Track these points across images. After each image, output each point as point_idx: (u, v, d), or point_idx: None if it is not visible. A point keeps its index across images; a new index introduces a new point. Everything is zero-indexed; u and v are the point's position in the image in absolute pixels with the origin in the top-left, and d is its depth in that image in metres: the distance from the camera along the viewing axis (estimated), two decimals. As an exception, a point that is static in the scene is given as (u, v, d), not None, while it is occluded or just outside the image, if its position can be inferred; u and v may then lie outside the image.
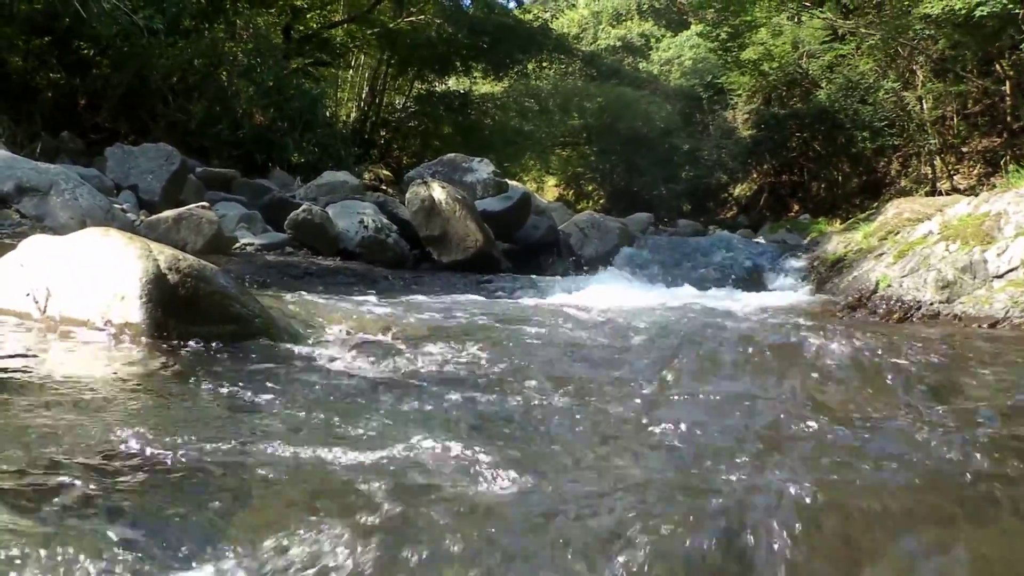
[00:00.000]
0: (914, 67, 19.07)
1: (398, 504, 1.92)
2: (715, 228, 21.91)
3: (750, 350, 4.26)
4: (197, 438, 2.33)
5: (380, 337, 4.16)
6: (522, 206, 11.80)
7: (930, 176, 19.31)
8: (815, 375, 3.65)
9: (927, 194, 16.90)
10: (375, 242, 10.12)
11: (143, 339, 3.33)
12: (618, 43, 38.21)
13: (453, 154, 13.38)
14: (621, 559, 1.74)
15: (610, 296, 7.84)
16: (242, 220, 10.39)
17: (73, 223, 7.55)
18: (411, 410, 2.80)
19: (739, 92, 26.61)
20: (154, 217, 8.86)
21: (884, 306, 6.91)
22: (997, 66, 17.61)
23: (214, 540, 1.74)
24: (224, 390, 2.90)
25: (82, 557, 1.59)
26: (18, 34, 13.18)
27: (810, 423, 2.83)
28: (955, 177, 18.97)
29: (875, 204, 17.34)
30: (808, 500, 2.01)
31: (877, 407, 3.09)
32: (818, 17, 20.40)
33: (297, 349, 3.66)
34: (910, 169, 20.61)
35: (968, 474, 2.32)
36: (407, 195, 10.64)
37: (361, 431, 2.50)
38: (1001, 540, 1.99)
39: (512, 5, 29.44)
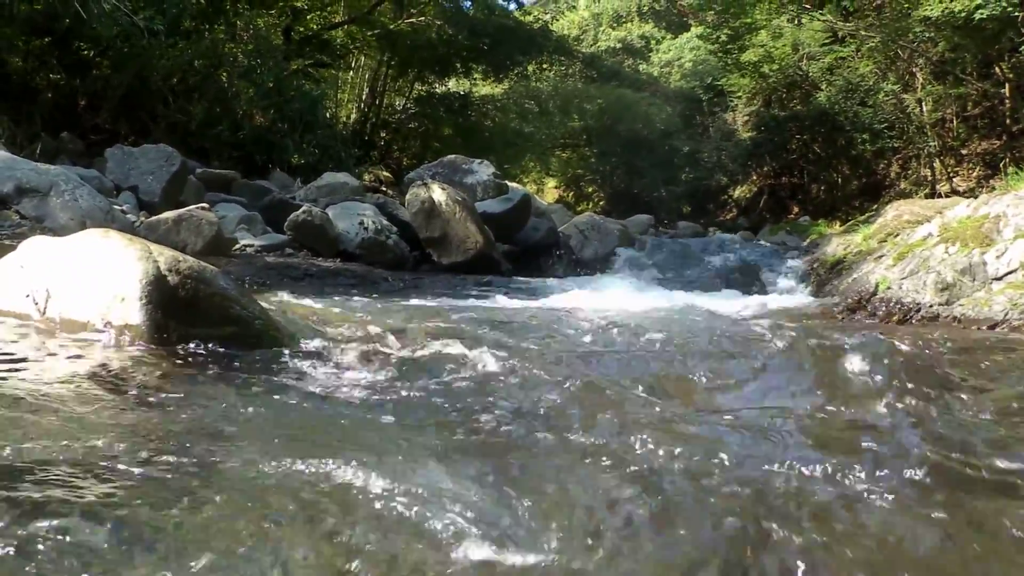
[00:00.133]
0: (914, 69, 19.07)
1: (376, 536, 1.86)
2: (715, 230, 21.93)
3: (748, 352, 4.26)
4: (189, 443, 2.33)
5: (380, 340, 4.16)
6: (522, 208, 11.81)
7: (930, 178, 19.30)
8: (820, 380, 3.65)
9: (927, 196, 16.91)
10: (375, 244, 10.12)
11: (143, 341, 3.33)
12: (618, 45, 38.23)
13: (453, 156, 13.40)
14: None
15: (610, 298, 7.84)
16: (242, 221, 10.39)
17: (73, 224, 7.55)
18: (410, 423, 2.79)
19: (739, 94, 26.61)
20: (154, 218, 8.86)
21: (884, 308, 6.91)
22: (997, 69, 17.61)
23: (187, 548, 1.74)
24: (220, 394, 2.90)
25: (55, 559, 1.59)
26: (18, 35, 13.19)
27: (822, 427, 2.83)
28: (955, 179, 18.97)
29: (875, 206, 17.35)
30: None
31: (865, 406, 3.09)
32: (818, 19, 20.42)
33: (297, 352, 3.65)
34: (910, 171, 20.61)
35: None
36: (407, 197, 10.65)
37: (355, 445, 2.48)
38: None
39: (512, 7, 29.49)
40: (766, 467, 2.39)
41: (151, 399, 2.77)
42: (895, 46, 18.43)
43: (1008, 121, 18.14)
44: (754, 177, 27.49)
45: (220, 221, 9.08)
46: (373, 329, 4.40)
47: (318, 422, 2.72)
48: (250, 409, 2.77)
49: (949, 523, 2.04)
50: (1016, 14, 14.26)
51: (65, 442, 2.22)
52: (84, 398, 2.71)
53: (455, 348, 4.14)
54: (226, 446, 2.35)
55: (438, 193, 10.26)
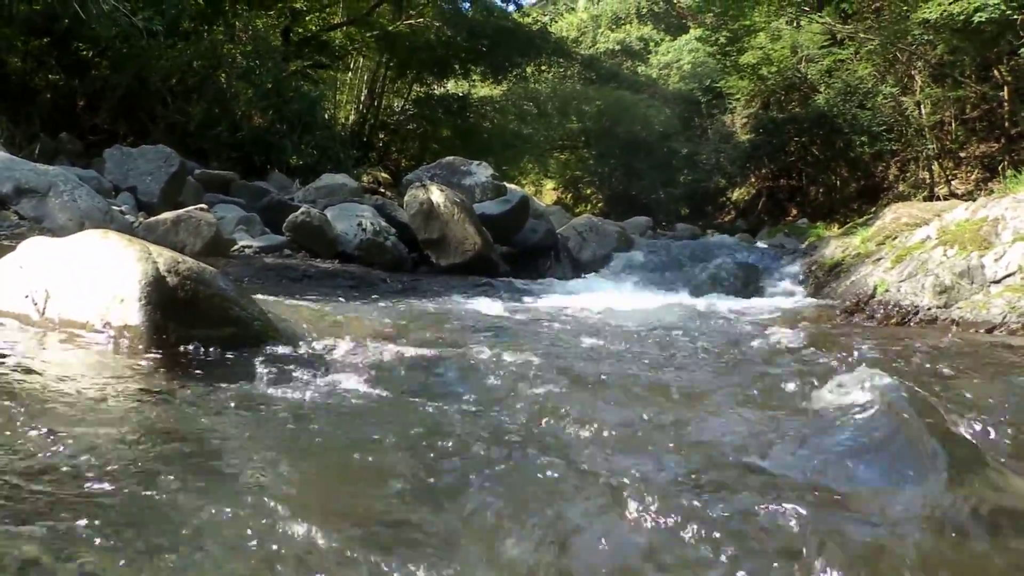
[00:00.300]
0: (912, 72, 19.08)
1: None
2: (713, 232, 21.93)
3: (746, 355, 4.27)
4: (186, 443, 2.34)
5: (377, 342, 4.16)
6: (520, 209, 11.81)
7: (928, 181, 19.31)
8: (813, 380, 3.65)
9: (925, 199, 16.90)
10: (373, 245, 10.12)
11: (142, 342, 3.33)
12: (617, 47, 38.26)
13: (452, 157, 13.39)
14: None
15: (608, 300, 7.85)
16: (240, 222, 10.38)
17: (71, 225, 7.55)
18: (408, 425, 2.79)
19: (738, 96, 26.65)
20: (153, 219, 8.86)
21: (881, 311, 6.91)
22: (995, 71, 17.63)
23: (186, 548, 1.74)
24: (219, 395, 2.90)
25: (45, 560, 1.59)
26: (17, 35, 13.17)
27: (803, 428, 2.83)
28: (953, 182, 18.98)
29: (873, 209, 17.37)
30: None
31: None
32: (817, 22, 20.43)
33: (294, 353, 3.66)
34: (908, 174, 20.62)
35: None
36: (405, 198, 10.65)
37: (348, 454, 2.47)
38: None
39: (511, 8, 29.48)
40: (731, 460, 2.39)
41: (149, 400, 2.77)
42: (894, 49, 18.45)
43: (1007, 124, 18.16)
44: (752, 179, 27.50)
45: (219, 222, 9.08)
46: (371, 331, 4.41)
47: (315, 423, 2.72)
48: (248, 410, 2.77)
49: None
50: (1015, 17, 14.28)
51: (62, 442, 2.22)
52: (82, 398, 2.71)
53: (453, 350, 4.14)
54: (223, 446, 2.35)
55: (436, 195, 10.26)
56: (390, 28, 24.47)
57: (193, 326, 3.51)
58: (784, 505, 2.00)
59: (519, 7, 30.56)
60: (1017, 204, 7.01)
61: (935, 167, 19.18)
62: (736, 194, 28.94)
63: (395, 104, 28.99)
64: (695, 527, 1.90)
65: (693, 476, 2.29)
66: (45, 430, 2.31)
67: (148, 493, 1.95)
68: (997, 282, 6.41)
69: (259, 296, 4.48)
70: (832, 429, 2.69)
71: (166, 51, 14.47)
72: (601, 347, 4.65)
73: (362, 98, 27.22)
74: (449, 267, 10.10)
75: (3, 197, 8.08)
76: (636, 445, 2.62)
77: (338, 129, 22.66)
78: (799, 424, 2.85)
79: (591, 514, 2.03)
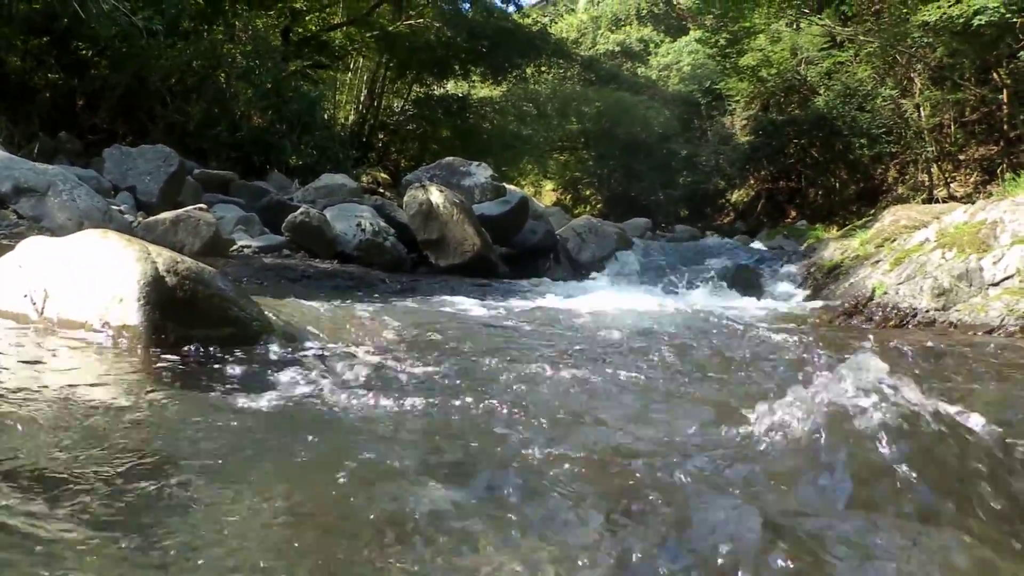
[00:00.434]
0: (912, 75, 19.10)
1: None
2: (712, 233, 21.96)
3: (736, 356, 4.27)
4: (183, 443, 2.34)
5: (375, 343, 4.16)
6: (520, 210, 11.82)
7: (927, 183, 19.34)
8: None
9: (924, 201, 16.93)
10: (373, 245, 10.12)
11: (141, 342, 3.33)
12: (617, 48, 38.32)
13: (451, 158, 13.40)
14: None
15: (606, 302, 7.85)
16: (240, 222, 10.39)
17: (71, 224, 7.56)
18: (405, 427, 2.79)
19: (737, 98, 26.68)
20: (152, 219, 8.86)
21: (880, 313, 6.92)
22: (994, 74, 17.66)
23: (182, 550, 1.74)
24: (217, 396, 2.90)
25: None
26: (16, 34, 13.18)
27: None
28: (952, 185, 19.00)
29: (872, 211, 17.40)
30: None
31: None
32: (817, 24, 20.45)
33: (293, 354, 3.65)
34: (907, 176, 20.65)
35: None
36: (405, 198, 10.66)
37: (344, 456, 2.46)
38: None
39: (511, 9, 29.50)
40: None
41: (147, 400, 2.78)
42: (893, 51, 18.48)
43: (1006, 127, 18.18)
44: (752, 181, 27.54)
45: (218, 222, 9.08)
46: (369, 331, 4.41)
47: (312, 425, 2.72)
48: (245, 411, 2.77)
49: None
50: (1014, 20, 14.30)
51: (58, 443, 2.22)
52: (79, 399, 2.71)
53: (451, 351, 4.15)
54: (218, 447, 2.35)
55: (436, 195, 10.27)
56: (390, 28, 24.50)
57: (192, 326, 3.50)
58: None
59: (519, 8, 30.61)
60: (1016, 207, 7.02)
61: (934, 170, 19.21)
62: (735, 196, 28.98)
63: (395, 104, 29.01)
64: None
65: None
66: (39, 430, 2.31)
67: (141, 493, 1.95)
68: (995, 285, 6.42)
69: (258, 296, 4.48)
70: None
71: (166, 51, 14.48)
72: (595, 348, 4.65)
73: (362, 98, 27.24)
74: (448, 268, 10.11)
75: (2, 196, 8.08)
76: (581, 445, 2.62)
77: (338, 129, 22.67)
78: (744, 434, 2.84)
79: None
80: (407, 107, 28.57)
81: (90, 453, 2.17)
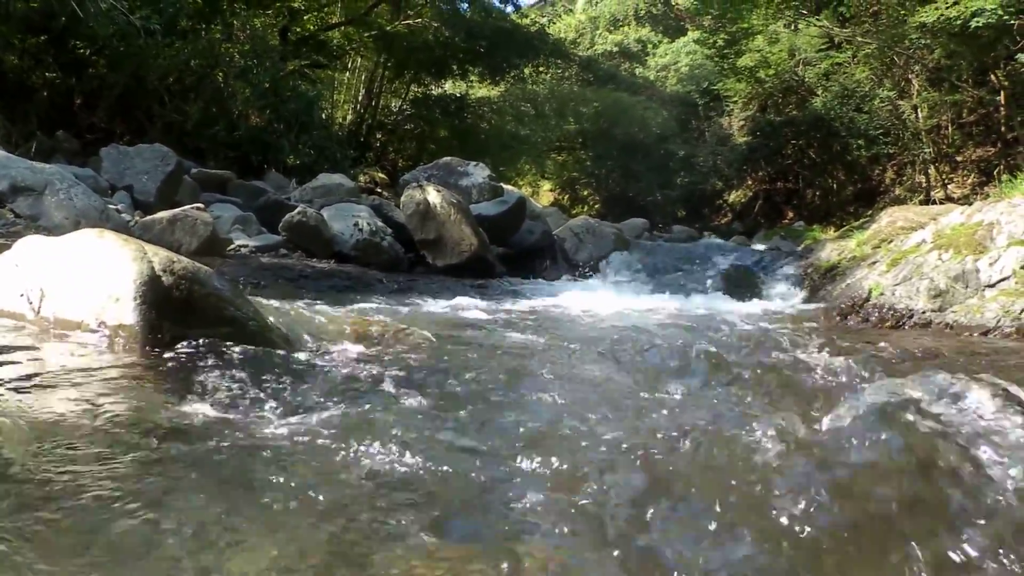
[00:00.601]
0: (910, 76, 19.12)
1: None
2: (710, 234, 21.97)
3: (739, 359, 4.27)
4: (179, 442, 2.34)
5: (372, 344, 4.16)
6: (517, 211, 11.82)
7: (924, 185, 19.36)
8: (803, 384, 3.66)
9: (921, 203, 16.95)
10: (370, 245, 10.12)
11: (137, 341, 3.33)
12: (615, 48, 38.33)
13: (449, 158, 13.40)
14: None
15: (603, 302, 7.86)
16: (237, 222, 10.39)
17: (68, 223, 7.54)
18: (401, 428, 2.79)
19: (735, 99, 26.71)
20: (149, 218, 8.85)
21: (876, 314, 6.93)
22: (992, 76, 17.67)
23: (174, 550, 1.74)
24: (212, 396, 2.90)
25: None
26: (14, 33, 13.16)
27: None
28: (949, 186, 19.03)
29: (869, 212, 17.42)
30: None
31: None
32: (815, 25, 20.46)
33: (289, 355, 3.65)
34: (904, 178, 20.67)
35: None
36: (402, 198, 10.66)
37: (342, 452, 2.47)
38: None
39: (509, 9, 29.53)
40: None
41: (143, 400, 2.78)
42: (891, 52, 18.50)
43: (1003, 128, 18.21)
44: (749, 182, 27.56)
45: (215, 221, 9.08)
46: (366, 331, 4.41)
47: (309, 425, 2.72)
48: (240, 411, 2.77)
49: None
50: (1012, 22, 14.31)
51: (54, 442, 2.22)
52: (75, 398, 2.71)
53: (447, 351, 4.15)
54: (212, 446, 2.35)
55: (433, 195, 10.27)
56: (388, 28, 24.49)
57: (188, 326, 3.50)
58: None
59: (517, 8, 30.66)
60: (1012, 208, 7.03)
61: (931, 171, 19.23)
62: (733, 196, 29.00)
63: (392, 104, 29.00)
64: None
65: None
66: (32, 429, 2.31)
67: (133, 493, 1.96)
68: (992, 286, 6.43)
69: (255, 296, 4.48)
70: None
71: (163, 50, 14.46)
72: (588, 347, 4.66)
73: (360, 98, 27.23)
74: (445, 268, 10.11)
75: (-1, 195, 8.07)
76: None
77: (335, 129, 22.67)
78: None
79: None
80: (405, 107, 28.56)
81: (80, 449, 2.17)
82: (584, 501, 2.08)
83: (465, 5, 26.67)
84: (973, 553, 1.80)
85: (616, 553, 1.82)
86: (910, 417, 2.36)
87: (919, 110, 18.98)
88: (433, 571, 1.72)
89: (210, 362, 3.28)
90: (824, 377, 3.74)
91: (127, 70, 14.14)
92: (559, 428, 2.84)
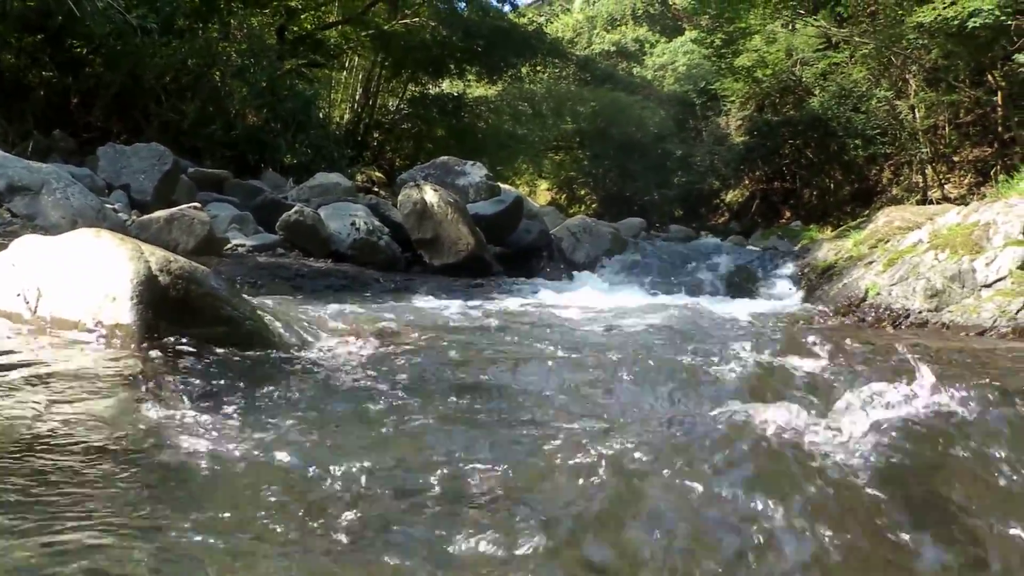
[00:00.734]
0: (907, 76, 19.11)
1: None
2: (707, 234, 21.97)
3: (736, 358, 4.27)
4: (175, 441, 2.34)
5: (369, 343, 4.16)
6: (514, 210, 11.82)
7: (921, 185, 19.36)
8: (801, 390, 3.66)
9: (918, 203, 16.95)
10: (367, 244, 10.12)
11: (134, 341, 3.33)
12: (612, 48, 38.31)
13: (446, 157, 13.39)
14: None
15: (600, 302, 7.87)
16: (234, 221, 10.38)
17: (64, 222, 7.54)
18: (396, 428, 2.79)
19: (732, 98, 26.69)
20: (146, 217, 8.84)
21: (873, 314, 6.94)
22: (989, 76, 17.66)
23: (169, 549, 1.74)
24: (208, 395, 2.90)
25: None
26: (11, 31, 13.13)
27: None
28: (946, 186, 19.02)
29: (866, 212, 17.40)
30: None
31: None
32: (812, 25, 20.44)
33: (285, 354, 3.66)
34: (901, 177, 20.66)
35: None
36: (399, 198, 10.65)
37: (330, 456, 2.47)
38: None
39: (507, 9, 29.48)
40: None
41: (138, 399, 2.78)
42: (888, 52, 18.49)
43: (1000, 129, 18.20)
44: (746, 181, 27.55)
45: (212, 220, 9.07)
46: (362, 331, 4.41)
47: (297, 421, 2.72)
48: (234, 410, 2.77)
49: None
50: (1009, 22, 14.31)
51: (49, 440, 2.22)
52: (69, 397, 2.71)
53: (444, 351, 4.15)
54: (211, 444, 2.35)
55: (430, 194, 10.26)
56: (385, 27, 24.46)
57: (185, 325, 3.51)
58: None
59: (515, 7, 30.62)
60: (1009, 209, 7.04)
61: (928, 171, 19.23)
62: (730, 196, 28.99)
63: (390, 103, 28.96)
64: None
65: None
66: (32, 425, 2.31)
67: (129, 490, 1.96)
68: (988, 286, 6.44)
69: (251, 295, 4.49)
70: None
71: (160, 49, 14.43)
72: (577, 350, 4.66)
73: (357, 97, 27.19)
74: (442, 267, 10.10)
75: (-4, 194, 8.06)
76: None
77: (333, 128, 22.63)
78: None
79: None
80: (402, 106, 28.53)
81: (76, 447, 2.17)
82: (534, 496, 2.08)
83: (462, 4, 26.66)
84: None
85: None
86: (899, 416, 2.37)
87: (916, 110, 18.97)
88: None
89: (205, 362, 3.28)
90: (818, 377, 3.74)
91: (124, 69, 14.11)
92: (550, 430, 2.85)
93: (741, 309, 7.83)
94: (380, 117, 28.14)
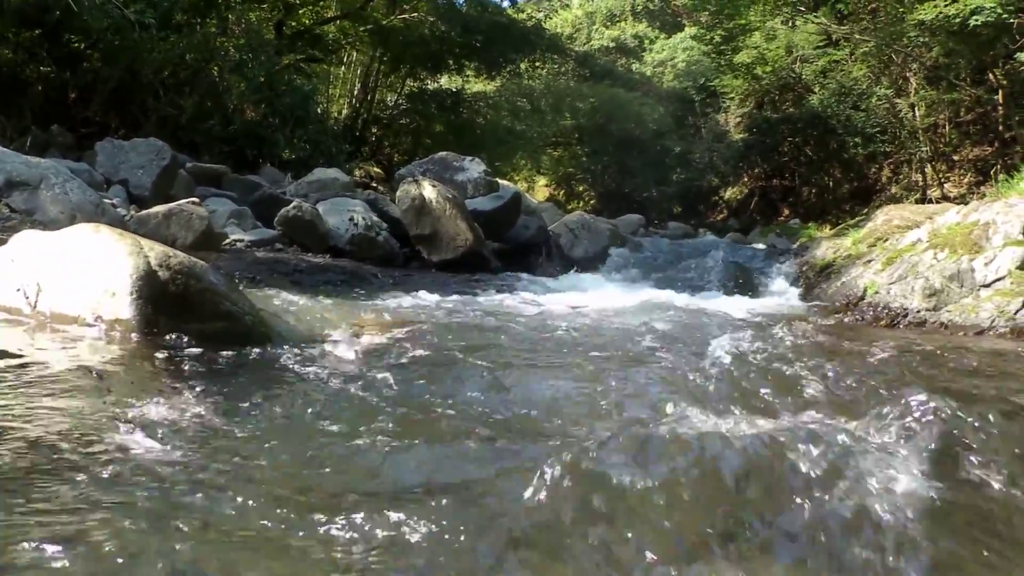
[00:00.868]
0: (907, 74, 19.12)
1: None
2: (705, 231, 21.99)
3: (733, 356, 4.26)
4: (172, 437, 2.33)
5: (366, 338, 4.16)
6: (512, 206, 11.81)
7: (921, 183, 19.37)
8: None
9: (917, 201, 16.97)
10: (365, 240, 10.11)
11: (133, 336, 3.33)
12: (611, 44, 38.30)
13: (444, 152, 13.38)
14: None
15: (599, 299, 7.86)
16: (232, 216, 10.37)
17: (63, 217, 7.53)
18: (391, 423, 2.79)
19: (732, 95, 26.68)
20: (144, 212, 8.83)
21: (871, 312, 6.94)
22: (990, 75, 17.67)
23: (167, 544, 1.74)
24: (206, 390, 2.90)
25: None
26: (8, 26, 13.10)
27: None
28: (946, 185, 19.03)
29: (865, 210, 17.40)
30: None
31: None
32: (812, 22, 20.45)
33: (283, 348, 3.65)
34: (901, 176, 20.68)
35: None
36: (398, 193, 10.64)
37: (335, 448, 2.47)
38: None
39: (506, 4, 29.58)
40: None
41: (137, 394, 2.77)
42: (889, 50, 18.50)
43: (1000, 128, 18.21)
44: (745, 179, 27.57)
45: (210, 216, 9.05)
46: (360, 326, 4.41)
47: (297, 417, 2.72)
48: (231, 404, 2.77)
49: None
50: (1011, 21, 14.31)
51: (47, 436, 2.21)
52: (71, 392, 2.71)
53: (442, 350, 4.15)
54: (208, 438, 2.35)
55: (429, 190, 10.25)
56: (384, 22, 24.44)
57: (184, 320, 3.51)
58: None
59: (514, 3, 30.69)
60: (1008, 209, 7.03)
61: (928, 170, 19.24)
62: (729, 193, 29.00)
63: (388, 99, 28.95)
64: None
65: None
66: (30, 421, 2.31)
67: (126, 488, 1.95)
68: (987, 286, 6.44)
69: (249, 290, 4.48)
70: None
71: (158, 44, 14.40)
72: (577, 342, 4.67)
73: (355, 92, 27.17)
74: (440, 263, 10.10)
75: (-6, 189, 8.05)
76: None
77: (331, 123, 22.62)
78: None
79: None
80: (400, 101, 28.52)
81: (73, 443, 2.17)
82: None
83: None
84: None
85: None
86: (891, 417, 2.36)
87: (916, 108, 18.97)
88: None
89: (203, 358, 3.28)
90: (815, 375, 3.74)
91: (122, 64, 14.08)
92: (541, 425, 2.85)
93: (739, 307, 7.82)
94: (378, 112, 28.14)
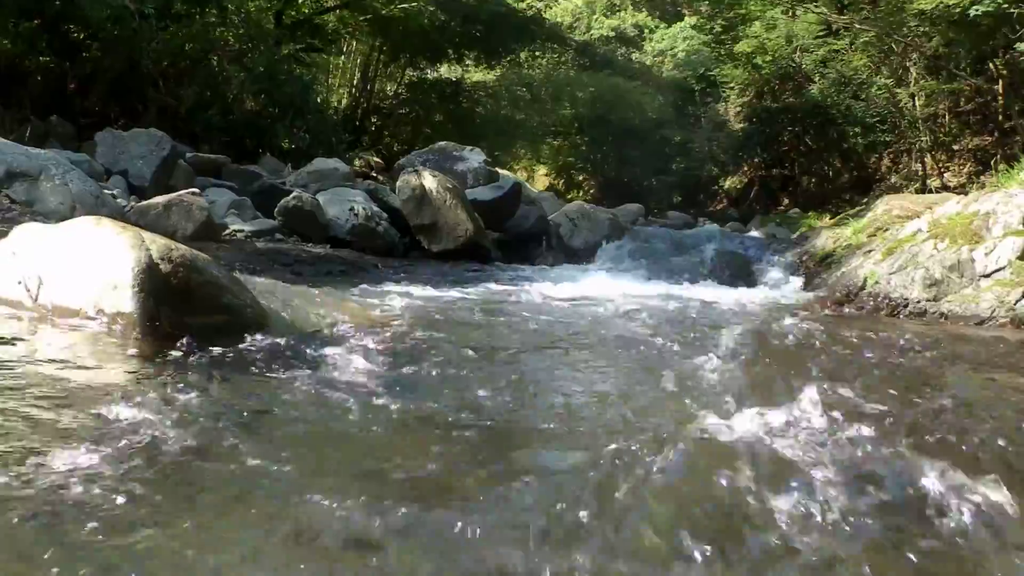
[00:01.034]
0: (907, 64, 19.06)
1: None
2: (705, 220, 21.94)
3: (733, 346, 4.27)
4: (171, 433, 2.34)
5: (366, 329, 4.17)
6: (513, 196, 11.82)
7: (921, 173, 19.34)
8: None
9: (917, 191, 16.95)
10: (365, 230, 10.12)
11: (135, 329, 3.33)
12: (611, 33, 38.17)
13: (444, 142, 13.38)
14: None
15: (598, 288, 7.87)
16: (232, 206, 10.37)
17: (63, 208, 7.54)
18: (391, 417, 2.79)
19: (732, 85, 26.61)
20: (144, 203, 8.84)
21: (871, 302, 6.95)
22: (990, 65, 17.62)
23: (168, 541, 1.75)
24: (208, 384, 2.90)
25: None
26: (8, 17, 13.08)
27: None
28: (946, 175, 19.00)
29: (865, 200, 17.39)
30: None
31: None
32: (813, 12, 20.38)
33: (285, 340, 3.65)
34: (901, 166, 20.64)
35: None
36: (398, 183, 10.65)
37: (328, 446, 2.47)
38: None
39: (506, -7, 29.37)
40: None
41: (139, 388, 2.78)
42: (889, 40, 18.44)
43: (1000, 118, 18.16)
44: (745, 168, 27.51)
45: (210, 206, 9.07)
46: (361, 317, 4.42)
47: (299, 412, 2.73)
48: (232, 398, 2.78)
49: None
50: (1012, 11, 14.27)
51: (47, 433, 2.22)
52: (70, 385, 2.71)
53: (443, 341, 4.15)
54: (206, 435, 2.36)
55: (429, 180, 10.26)
56: (383, 12, 24.33)
57: (186, 313, 3.51)
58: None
59: (513, -7, 30.47)
60: (1008, 199, 7.04)
61: (928, 159, 19.21)
62: (728, 183, 28.94)
63: (388, 88, 28.86)
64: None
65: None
66: (28, 417, 2.32)
67: (124, 486, 1.96)
68: (987, 276, 6.45)
69: (253, 278, 4.48)
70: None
71: (158, 34, 14.39)
72: (573, 336, 4.68)
73: (355, 82, 27.10)
74: (441, 253, 10.11)
75: (-5, 181, 8.05)
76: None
77: (330, 113, 22.59)
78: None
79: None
80: (400, 91, 28.44)
81: (72, 440, 2.17)
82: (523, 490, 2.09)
83: (461, -11, 26.55)
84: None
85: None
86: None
87: (916, 98, 18.93)
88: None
89: (205, 350, 3.28)
90: (814, 365, 3.75)
91: (121, 54, 14.06)
92: (541, 419, 2.86)
93: (739, 297, 7.83)
94: (378, 102, 28.06)
